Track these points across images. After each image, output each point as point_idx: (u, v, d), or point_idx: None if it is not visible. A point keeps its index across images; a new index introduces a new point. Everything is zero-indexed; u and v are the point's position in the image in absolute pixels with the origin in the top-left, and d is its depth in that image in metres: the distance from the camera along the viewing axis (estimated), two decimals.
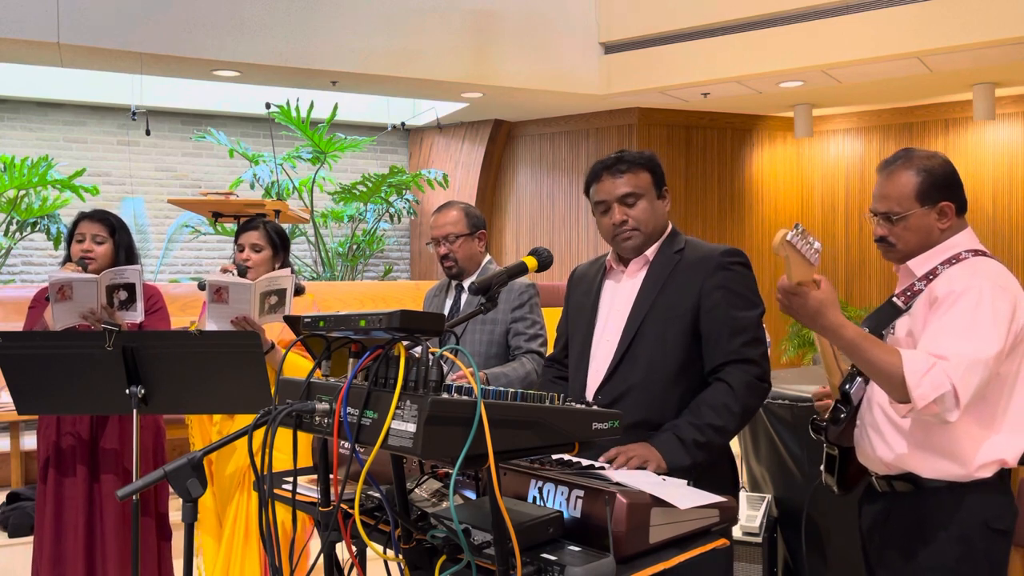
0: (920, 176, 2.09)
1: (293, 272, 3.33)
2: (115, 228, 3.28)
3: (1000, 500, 2.04)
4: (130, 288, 3.00)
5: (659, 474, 2.10)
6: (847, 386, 2.17)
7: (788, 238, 1.84)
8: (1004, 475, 2.05)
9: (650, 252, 2.41)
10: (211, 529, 3.27)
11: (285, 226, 8.23)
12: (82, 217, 3.27)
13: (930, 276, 2.08)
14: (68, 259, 3.25)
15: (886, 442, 2.09)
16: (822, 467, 2.29)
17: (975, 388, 1.90)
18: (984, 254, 2.10)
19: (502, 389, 1.50)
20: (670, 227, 2.46)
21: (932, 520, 2.05)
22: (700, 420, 2.22)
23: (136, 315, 3.05)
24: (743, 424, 2.34)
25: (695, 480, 1.91)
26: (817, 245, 1.91)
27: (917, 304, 2.07)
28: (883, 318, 2.16)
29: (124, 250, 3.28)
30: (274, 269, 3.31)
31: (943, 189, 2.09)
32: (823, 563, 3.43)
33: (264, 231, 3.29)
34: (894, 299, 2.14)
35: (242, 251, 3.28)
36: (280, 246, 3.33)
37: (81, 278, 2.97)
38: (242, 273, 3.27)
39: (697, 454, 2.19)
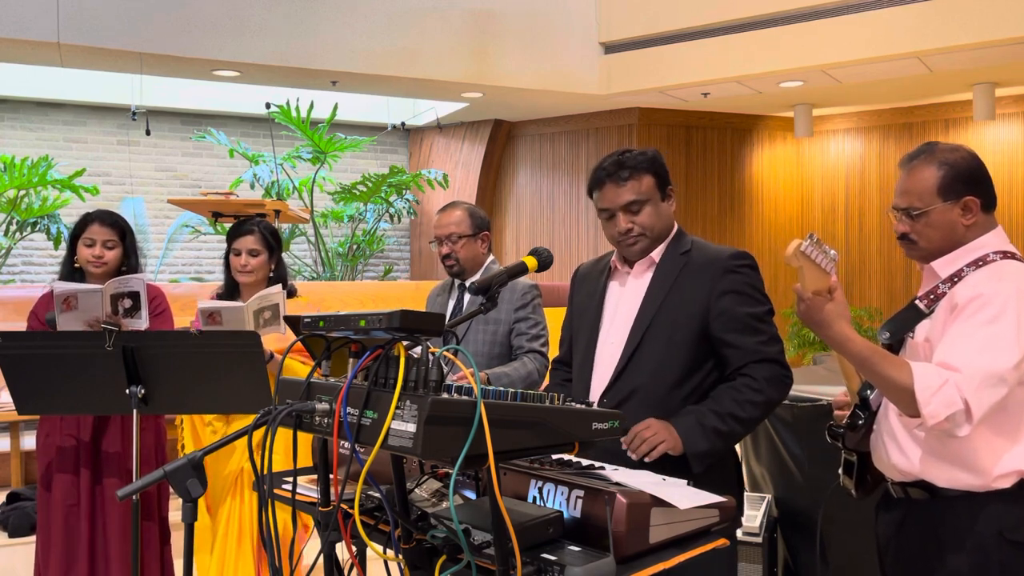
0: (942, 170, 2.00)
1: (288, 281, 3.34)
2: (125, 232, 3.28)
3: (1018, 511, 1.96)
4: (134, 296, 3.01)
5: (673, 456, 2.11)
6: (867, 392, 2.13)
7: (802, 249, 1.82)
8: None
9: (656, 254, 2.40)
10: (203, 544, 3.24)
11: (285, 226, 8.23)
12: (91, 220, 3.23)
13: (955, 279, 1.99)
14: (72, 258, 3.24)
15: (901, 449, 2.04)
16: (840, 470, 2.25)
17: (989, 403, 1.84)
18: (1014, 256, 2.01)
19: (502, 389, 1.50)
20: (676, 227, 2.45)
21: (946, 529, 1.99)
22: (723, 409, 2.23)
23: (140, 323, 3.05)
24: (764, 417, 2.34)
25: (699, 479, 1.91)
26: (833, 254, 1.88)
27: (938, 309, 2.00)
28: (905, 322, 2.08)
29: (133, 254, 3.29)
30: (270, 270, 3.33)
31: (967, 183, 2.01)
32: (826, 565, 3.43)
33: (260, 235, 3.30)
34: (917, 302, 2.07)
35: (239, 255, 3.28)
36: (275, 247, 3.35)
37: (86, 288, 2.97)
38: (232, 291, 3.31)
39: (716, 442, 2.20)
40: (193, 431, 3.31)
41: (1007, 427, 1.94)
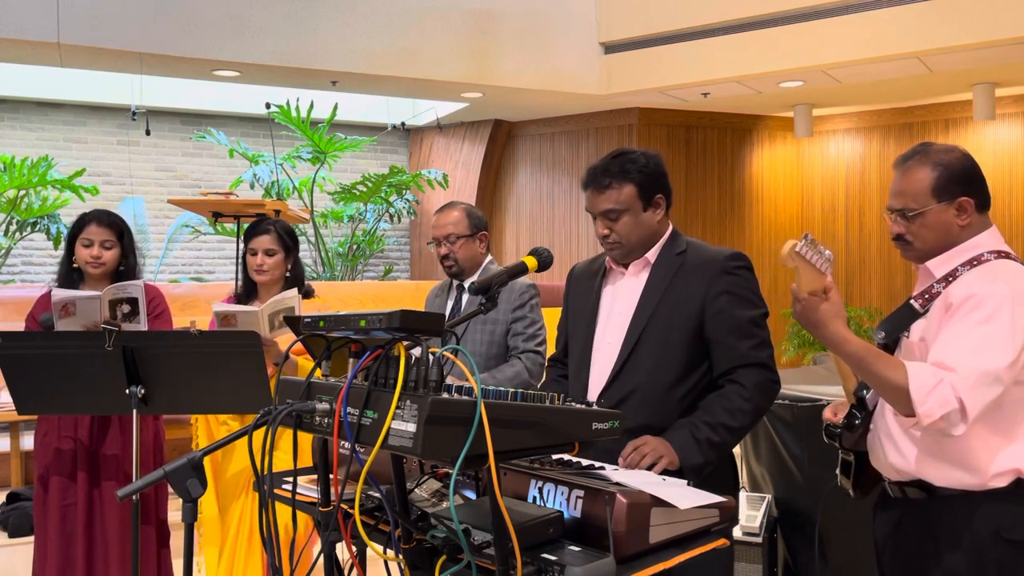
0: (937, 171, 2.01)
1: (304, 281, 3.33)
2: (123, 232, 3.28)
3: (1015, 510, 1.96)
4: (133, 302, 3.01)
5: (671, 471, 2.12)
6: (863, 392, 2.14)
7: (797, 249, 1.83)
8: (1021, 485, 1.96)
9: (651, 255, 2.40)
10: (213, 538, 3.25)
11: None
12: (89, 220, 3.23)
13: (949, 278, 2.00)
14: (71, 258, 3.24)
15: (898, 449, 2.05)
16: (837, 470, 2.26)
17: (984, 402, 1.84)
18: (1008, 256, 2.02)
19: (502, 389, 1.50)
20: (670, 230, 2.44)
21: (944, 528, 2.00)
22: (715, 420, 2.23)
23: (139, 328, 3.05)
24: (754, 424, 2.36)
25: (700, 478, 1.91)
26: (828, 254, 1.89)
27: (933, 308, 2.01)
28: (900, 321, 2.09)
29: (131, 254, 3.29)
30: (287, 270, 3.32)
31: (962, 184, 2.01)
32: (825, 564, 3.43)
33: (276, 234, 3.28)
34: (912, 301, 2.07)
35: (255, 255, 3.27)
36: (292, 246, 3.33)
37: (84, 296, 2.97)
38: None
39: (710, 453, 2.21)
40: (208, 430, 3.30)
41: (1002, 426, 1.95)
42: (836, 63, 6.90)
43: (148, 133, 7.48)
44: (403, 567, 1.67)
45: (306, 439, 1.75)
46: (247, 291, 3.36)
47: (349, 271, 9.14)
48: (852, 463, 2.21)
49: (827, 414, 2.26)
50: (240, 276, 3.42)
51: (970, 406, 1.83)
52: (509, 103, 8.55)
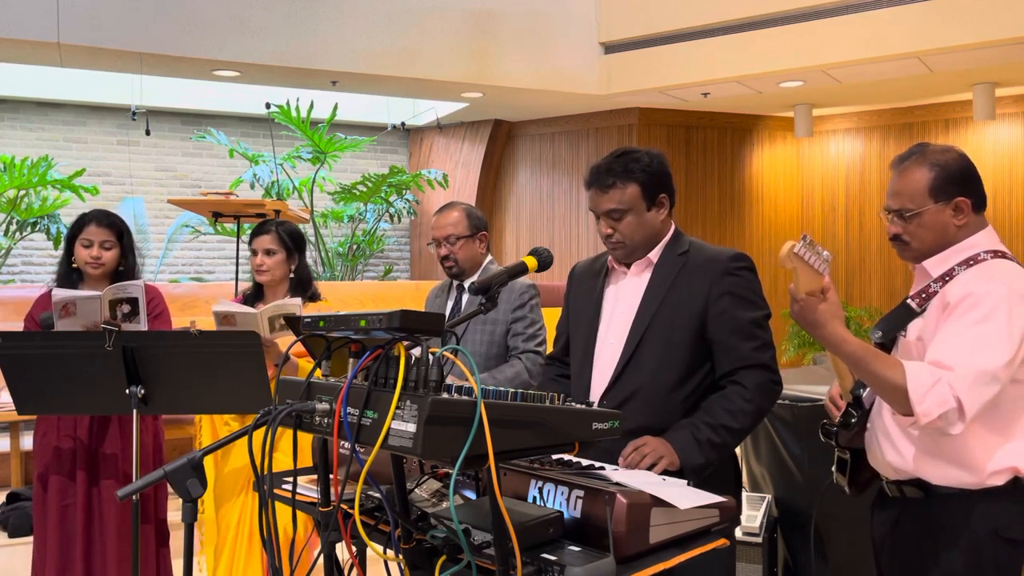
0: (933, 171, 2.02)
1: (311, 283, 3.32)
2: (122, 232, 3.28)
3: (1012, 509, 1.98)
4: (133, 302, 3.01)
5: (671, 471, 2.12)
6: (860, 390, 2.14)
7: (795, 250, 1.84)
8: (1018, 483, 1.97)
9: (653, 255, 2.40)
10: (213, 538, 3.24)
11: None
12: (88, 220, 3.23)
13: (946, 277, 2.01)
14: (70, 259, 3.24)
15: (896, 448, 2.05)
16: (833, 468, 2.27)
17: (982, 401, 1.85)
18: (1004, 255, 2.03)
19: (502, 389, 1.50)
20: (672, 230, 2.44)
21: (941, 527, 2.01)
22: (716, 420, 2.23)
23: (139, 328, 3.05)
24: (756, 426, 2.36)
25: (700, 478, 1.91)
26: (826, 254, 1.90)
27: (930, 307, 2.02)
28: (897, 320, 2.10)
29: (130, 253, 3.29)
30: (289, 271, 3.31)
31: (958, 184, 2.03)
32: (825, 564, 3.43)
33: (276, 234, 3.27)
34: (909, 300, 2.09)
35: (255, 255, 3.27)
36: (294, 248, 3.31)
37: (85, 296, 2.97)
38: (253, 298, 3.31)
39: (711, 454, 2.21)
40: (212, 431, 3.30)
41: (999, 424, 1.96)
42: (836, 63, 6.90)
43: (148, 133, 7.48)
44: (403, 567, 1.67)
45: (306, 439, 1.75)
46: (254, 292, 3.36)
47: (349, 271, 9.14)
48: (848, 461, 2.21)
49: (833, 392, 2.25)
50: (249, 278, 3.43)
51: (968, 405, 1.84)
52: (509, 103, 8.55)
